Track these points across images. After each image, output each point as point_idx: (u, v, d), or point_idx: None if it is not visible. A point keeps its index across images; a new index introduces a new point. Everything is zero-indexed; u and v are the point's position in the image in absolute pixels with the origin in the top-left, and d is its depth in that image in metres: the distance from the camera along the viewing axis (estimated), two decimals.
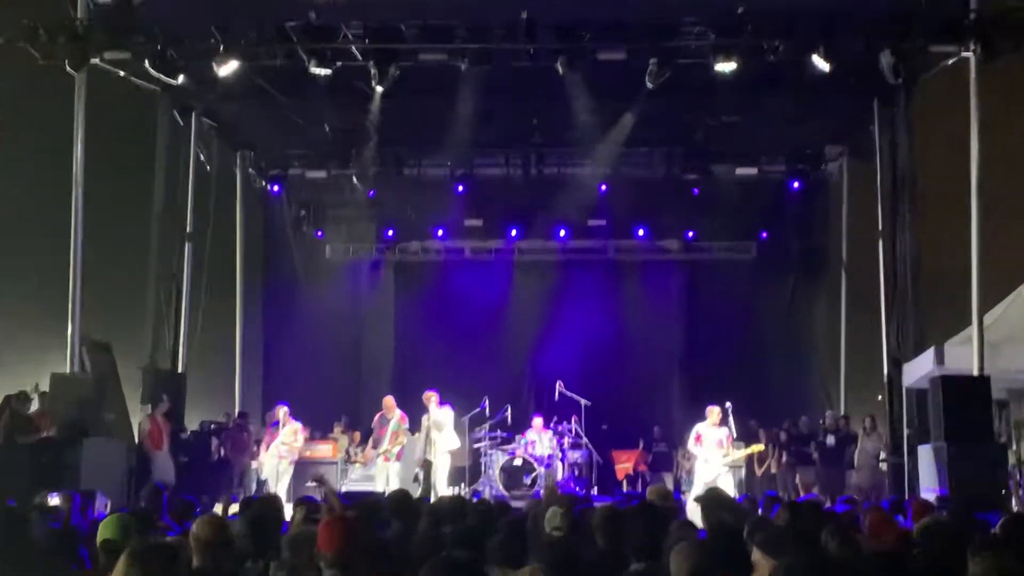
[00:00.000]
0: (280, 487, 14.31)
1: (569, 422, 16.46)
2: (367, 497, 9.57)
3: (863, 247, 17.04)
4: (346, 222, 20.62)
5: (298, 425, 14.91)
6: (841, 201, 18.75)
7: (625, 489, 17.02)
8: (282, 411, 14.70)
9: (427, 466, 13.41)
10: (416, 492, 12.54)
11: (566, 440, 16.38)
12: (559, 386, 16.50)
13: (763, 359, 19.07)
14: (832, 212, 19.28)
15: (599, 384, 17.97)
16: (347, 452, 17.24)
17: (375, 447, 14.61)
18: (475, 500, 7.87)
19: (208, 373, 17.12)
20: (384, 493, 12.69)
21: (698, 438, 13.90)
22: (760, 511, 7.78)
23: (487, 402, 16.15)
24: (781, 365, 19.22)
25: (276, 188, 19.36)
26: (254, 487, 15.35)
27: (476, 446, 16.57)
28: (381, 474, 14.37)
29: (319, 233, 20.57)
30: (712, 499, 6.66)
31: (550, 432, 16.40)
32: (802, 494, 14.95)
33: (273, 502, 7.41)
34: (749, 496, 9.87)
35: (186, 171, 15.86)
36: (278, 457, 14.58)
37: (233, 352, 18.36)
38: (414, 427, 15.03)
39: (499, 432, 16.53)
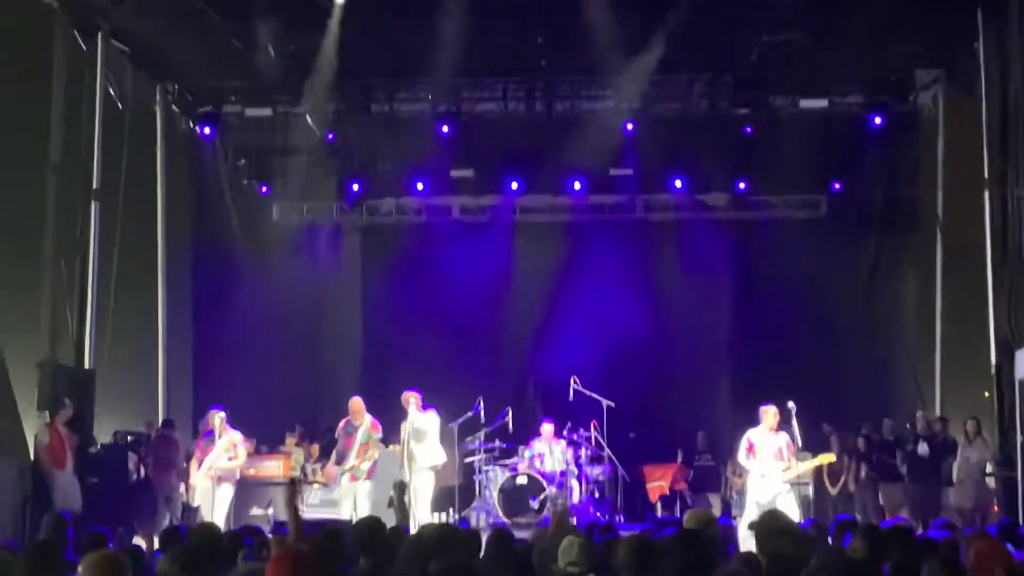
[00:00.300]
0: (217, 515, 14.13)
1: (587, 429, 16.50)
2: (328, 526, 9.15)
3: (964, 200, 17.12)
4: (299, 174, 20.54)
5: (239, 436, 14.72)
6: (936, 142, 18.80)
7: (659, 514, 17.16)
8: (218, 418, 14.44)
9: (403, 488, 13.34)
10: (391, 520, 12.34)
11: (583, 452, 16.40)
12: (574, 383, 16.53)
13: (835, 346, 19.15)
14: (924, 156, 19.33)
15: (625, 381, 18.08)
16: (303, 470, 17.15)
17: (339, 463, 14.49)
18: (463, 528, 7.95)
19: (123, 370, 17.10)
20: (351, 521, 12.50)
21: (750, 448, 13.91)
22: (831, 540, 7.83)
23: (482, 404, 16.24)
24: (859, 354, 19.31)
25: (208, 131, 19.29)
26: (181, 514, 15.51)
27: (468, 461, 16.64)
28: (347, 497, 14.32)
29: (264, 189, 20.65)
30: (769, 525, 6.65)
31: (563, 442, 16.48)
32: (887, 517, 14.99)
33: (208, 533, 7.47)
34: (817, 521, 9.84)
35: (91, 110, 15.83)
36: (213, 478, 14.35)
37: (155, 343, 18.38)
38: (389, 437, 15.09)
39: (497, 443, 16.63)
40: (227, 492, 14.48)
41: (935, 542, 7.26)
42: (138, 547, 7.09)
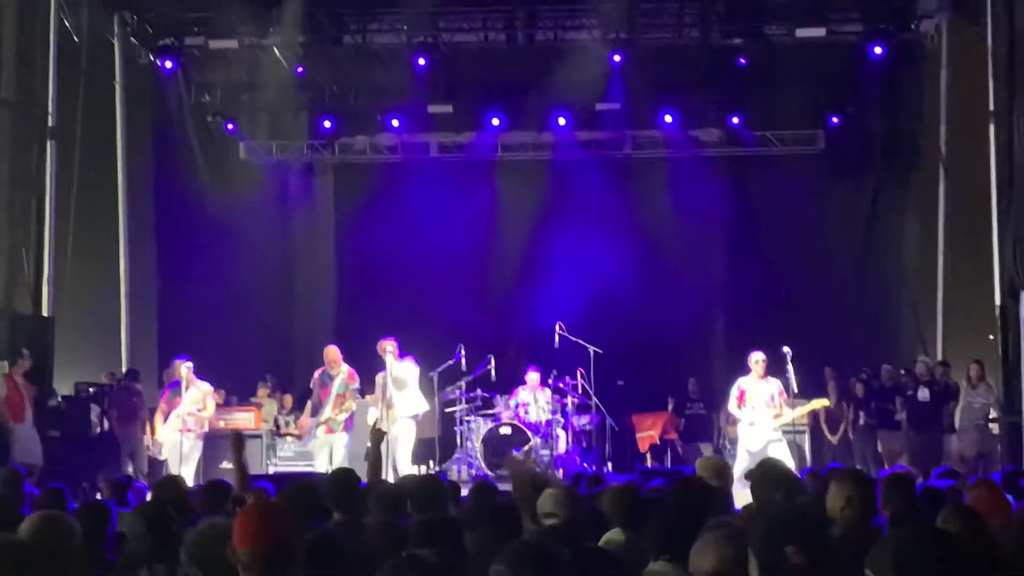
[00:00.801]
0: (186, 470, 14.13)
1: (574, 377, 16.42)
2: (300, 479, 9.31)
3: (969, 135, 17.13)
4: (267, 111, 20.53)
5: (208, 387, 14.71)
6: (939, 73, 18.71)
7: (649, 464, 17.35)
8: (184, 368, 14.38)
9: (380, 437, 13.37)
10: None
11: (570, 401, 16.37)
12: (559, 329, 16.47)
13: (833, 288, 19.03)
14: (927, 88, 19.19)
15: (613, 326, 17.97)
16: (275, 422, 17.24)
17: (313, 414, 14.46)
18: (443, 480, 7.92)
19: (84, 318, 17.13)
20: (327, 475, 12.97)
21: (741, 395, 14.10)
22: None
23: (463, 352, 16.08)
24: (857, 296, 19.31)
25: (169, 65, 19.04)
26: (148, 469, 15.53)
27: (449, 411, 16.59)
28: (322, 450, 14.34)
29: (231, 126, 20.32)
30: (763, 474, 6.66)
31: (548, 391, 16.43)
32: (886, 466, 14.98)
33: (173, 487, 7.50)
34: (813, 470, 9.66)
35: (45, 44, 15.71)
36: (181, 430, 14.36)
37: (117, 289, 18.31)
38: (365, 388, 15.00)
39: (479, 392, 16.54)
40: (196, 446, 14.47)
41: (938, 491, 7.25)
42: (103, 503, 6.95)
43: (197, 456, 14.49)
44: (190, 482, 12.70)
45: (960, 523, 5.15)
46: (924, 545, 3.63)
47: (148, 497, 8.16)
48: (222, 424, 15.88)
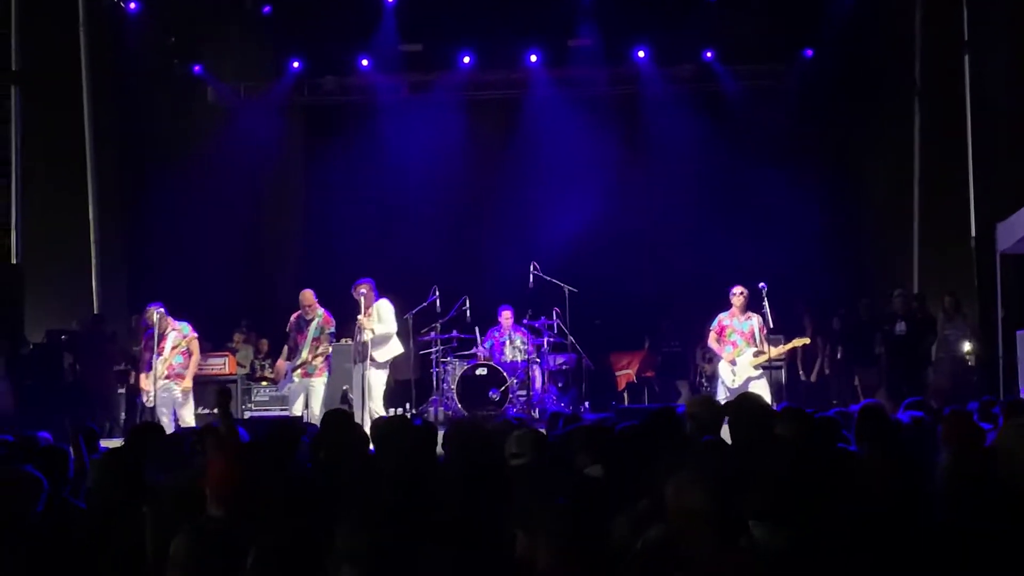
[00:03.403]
0: (185, 419, 13.92)
1: (549, 317, 16.40)
2: (278, 421, 9.52)
3: (943, 65, 16.92)
4: (235, 51, 20.28)
5: (187, 327, 14.17)
6: (914, 3, 18.40)
7: (627, 403, 17.46)
8: (156, 314, 13.94)
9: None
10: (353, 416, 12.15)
11: (545, 341, 16.37)
12: (533, 269, 16.40)
13: (807, 223, 18.86)
14: (900, 17, 18.82)
15: (588, 265, 17.91)
16: (251, 366, 17.30)
17: (289, 359, 14.29)
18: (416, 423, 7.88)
19: (54, 265, 17.01)
20: (302, 418, 12.88)
21: (721, 330, 14.03)
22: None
23: (437, 294, 16.00)
24: (832, 230, 19.23)
25: (134, 6, 18.76)
26: (123, 417, 15.51)
27: (424, 353, 16.53)
28: (298, 394, 14.17)
29: (197, 68, 20.14)
30: (743, 410, 6.63)
31: (523, 331, 16.46)
32: (860, 399, 14.59)
33: (143, 434, 7.43)
34: (791, 406, 9.69)
35: None
36: (169, 376, 13.95)
37: (87, 235, 18.04)
38: (342, 332, 15.02)
39: (455, 333, 16.50)
40: (187, 398, 14.07)
41: (904, 424, 7.31)
42: (60, 447, 6.96)
43: (190, 408, 14.13)
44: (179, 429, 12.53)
45: None
46: None
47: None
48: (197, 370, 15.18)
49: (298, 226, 20.61)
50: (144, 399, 14.10)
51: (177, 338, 13.94)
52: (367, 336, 13.87)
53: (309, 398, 13.98)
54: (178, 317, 14.14)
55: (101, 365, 16.03)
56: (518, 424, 7.37)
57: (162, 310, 13.98)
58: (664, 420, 6.49)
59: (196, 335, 14.08)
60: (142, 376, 14.06)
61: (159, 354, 13.79)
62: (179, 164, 19.04)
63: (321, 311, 14.14)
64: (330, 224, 19.94)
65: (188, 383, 13.87)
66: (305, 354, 13.99)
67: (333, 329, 14.27)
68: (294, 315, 14.28)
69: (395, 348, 14.26)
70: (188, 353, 13.96)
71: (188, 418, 13.67)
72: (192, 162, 19.13)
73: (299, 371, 14.01)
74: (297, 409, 13.92)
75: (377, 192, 19.68)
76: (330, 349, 14.12)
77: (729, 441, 6.58)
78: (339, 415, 7.42)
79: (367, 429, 7.76)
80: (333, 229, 19.79)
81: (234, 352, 17.14)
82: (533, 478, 5.70)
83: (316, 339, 14.03)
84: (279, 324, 15.12)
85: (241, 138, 19.75)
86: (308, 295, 14.26)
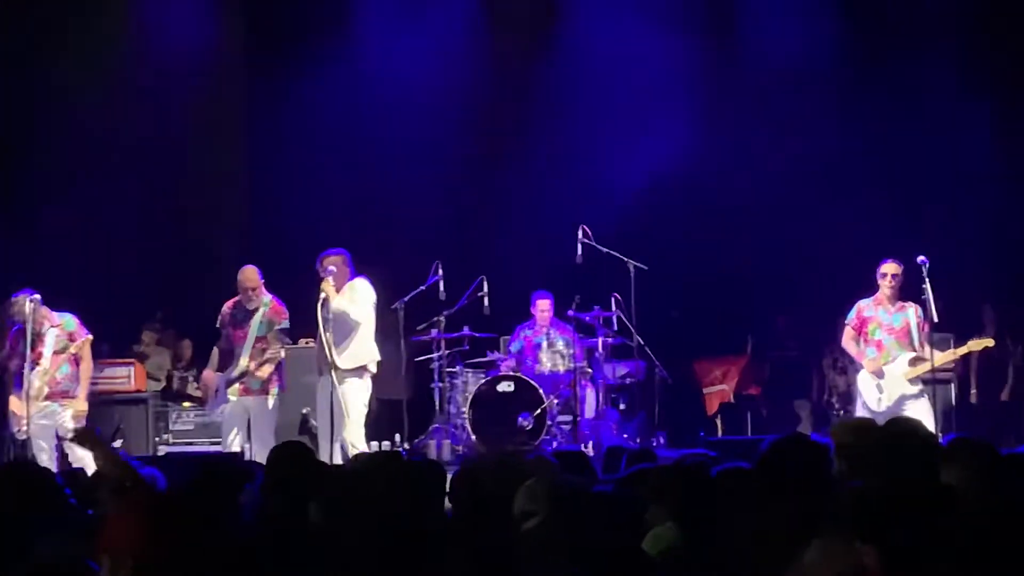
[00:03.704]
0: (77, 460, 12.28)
1: (606, 307, 14.29)
2: (208, 459, 9.49)
3: None
4: None
5: (73, 321, 12.52)
6: None
7: (720, 433, 15.52)
8: (28, 305, 12.25)
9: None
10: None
11: (600, 342, 14.36)
12: (582, 236, 14.07)
13: (990, 174, 15.81)
14: None
15: (663, 231, 15.69)
16: (168, 379, 15.72)
17: (222, 368, 12.76)
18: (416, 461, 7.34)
19: None
20: (242, 454, 11.83)
21: (860, 326, 12.44)
22: None
23: (440, 271, 13.77)
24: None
25: None
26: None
27: (422, 359, 14.58)
28: (236, 420, 12.52)
29: None
30: (896, 438, 5.77)
31: (567, 327, 14.39)
32: None
33: (21, 483, 6.20)
34: (964, 438, 7.15)
35: None
36: (55, 394, 12.46)
37: None
38: (299, 329, 13.24)
39: (467, 331, 14.45)
40: (79, 419, 12.62)
41: None
42: None
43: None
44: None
45: None
46: None
47: None
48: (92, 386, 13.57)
49: (237, 173, 17.54)
50: (14, 429, 12.65)
51: (60, 339, 12.51)
52: (334, 334, 12.13)
53: (252, 426, 12.45)
54: (59, 308, 12.69)
55: None
56: (556, 462, 6.80)
57: (37, 298, 12.42)
58: (793, 457, 5.57)
59: (88, 334, 12.61)
60: (11, 397, 12.61)
61: (34, 363, 12.46)
62: (61, 78, 16.40)
63: (268, 298, 12.50)
64: (283, 171, 16.94)
65: (82, 404, 12.59)
66: (245, 361, 12.45)
67: (286, 323, 12.56)
68: (228, 304, 12.73)
69: (366, 350, 12.50)
70: (76, 360, 12.63)
71: (81, 453, 11.84)
72: (83, 79, 16.40)
73: (237, 386, 12.48)
74: (234, 443, 12.43)
75: (353, 125, 16.68)
76: (283, 353, 12.46)
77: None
78: (296, 450, 6.98)
79: (339, 470, 8.06)
80: (287, 178, 16.88)
81: (143, 358, 15.50)
82: (546, 546, 5.22)
83: (261, 339, 12.45)
84: (207, 317, 13.31)
85: (154, 45, 16.90)
86: (250, 274, 12.61)
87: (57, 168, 16.35)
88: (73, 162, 16.42)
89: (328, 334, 12.21)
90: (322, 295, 12.22)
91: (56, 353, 12.41)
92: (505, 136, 16.92)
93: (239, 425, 12.46)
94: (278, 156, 17.21)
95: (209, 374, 12.87)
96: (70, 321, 12.51)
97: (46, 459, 12.13)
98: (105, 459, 6.32)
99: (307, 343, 13.45)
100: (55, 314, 12.46)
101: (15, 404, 12.48)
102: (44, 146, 16.32)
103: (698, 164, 16.26)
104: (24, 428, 12.32)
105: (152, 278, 16.61)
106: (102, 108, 16.54)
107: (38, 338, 12.28)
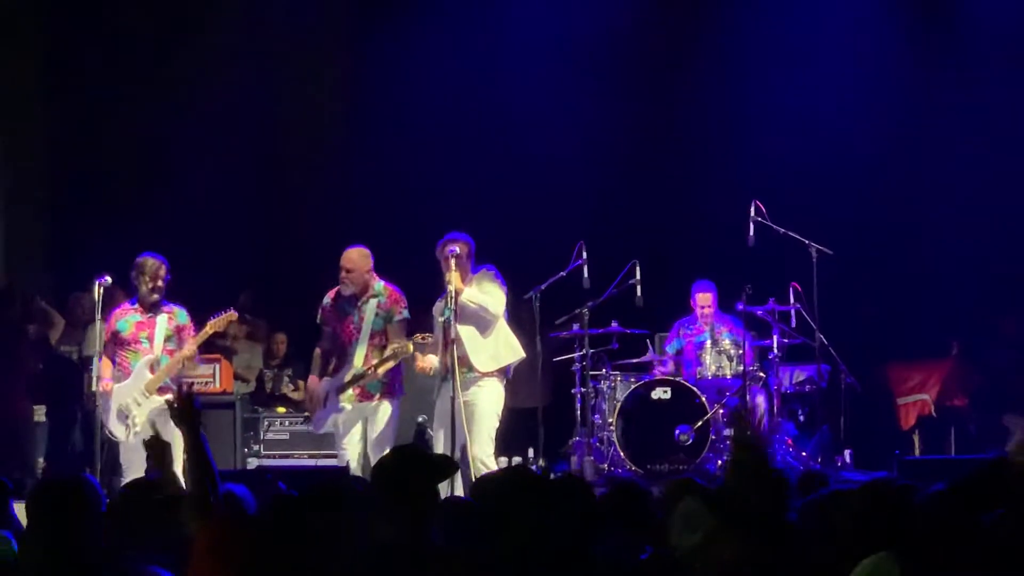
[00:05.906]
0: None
1: (782, 300, 13.23)
2: (317, 477, 8.76)
3: None
4: None
5: (183, 313, 11.52)
6: None
7: (918, 452, 14.19)
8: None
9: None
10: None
11: (775, 341, 13.30)
12: (755, 213, 12.91)
13: None
14: None
15: (851, 209, 14.29)
16: (259, 379, 14.65)
17: (326, 371, 11.53)
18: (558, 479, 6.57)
19: None
20: (349, 469, 10.96)
21: None
22: None
23: (584, 256, 12.49)
24: None
25: None
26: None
27: (560, 360, 13.42)
28: (351, 429, 11.33)
29: None
30: None
31: (736, 323, 13.38)
32: None
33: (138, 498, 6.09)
34: None
35: None
36: (164, 391, 11.22)
37: None
38: (418, 323, 11.85)
39: (616, 326, 13.26)
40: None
41: None
42: None
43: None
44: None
45: None
46: None
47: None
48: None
49: (343, 147, 16.14)
50: (115, 428, 11.34)
51: (167, 327, 11.57)
52: (459, 331, 10.92)
53: (369, 435, 11.25)
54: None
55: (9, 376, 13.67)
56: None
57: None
58: (995, 485, 5.18)
59: (192, 326, 11.76)
60: (102, 384, 11.30)
61: (123, 356, 11.43)
62: (145, 45, 15.53)
63: (382, 284, 11.28)
64: (396, 143, 15.63)
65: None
66: (359, 359, 11.12)
67: (406, 313, 11.25)
68: (330, 294, 11.47)
69: (509, 349, 11.43)
70: (190, 358, 11.72)
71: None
72: (167, 45, 15.58)
73: (351, 392, 11.21)
74: (351, 453, 11.28)
75: (478, 93, 15.31)
76: (411, 348, 11.07)
77: None
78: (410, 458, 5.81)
79: (463, 490, 8.07)
80: (401, 151, 15.66)
81: (229, 354, 14.20)
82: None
83: (378, 333, 11.20)
84: (308, 306, 12.20)
85: (252, 10, 16.02)
86: (356, 257, 11.35)
87: (131, 131, 15.38)
88: (148, 125, 15.35)
89: (454, 331, 10.93)
90: (449, 287, 10.98)
91: (166, 339, 11.46)
92: (660, 99, 15.32)
93: (353, 435, 11.18)
94: (388, 124, 15.76)
95: (314, 380, 11.46)
96: (180, 313, 11.56)
97: (131, 470, 10.97)
98: (167, 475, 5.87)
99: (423, 338, 11.57)
100: (167, 303, 11.44)
101: (114, 400, 11.37)
102: (116, 107, 15.40)
103: (891, 130, 14.66)
104: (133, 430, 11.24)
105: (244, 257, 15.55)
106: (189, 66, 15.50)
107: (118, 322, 11.28)
